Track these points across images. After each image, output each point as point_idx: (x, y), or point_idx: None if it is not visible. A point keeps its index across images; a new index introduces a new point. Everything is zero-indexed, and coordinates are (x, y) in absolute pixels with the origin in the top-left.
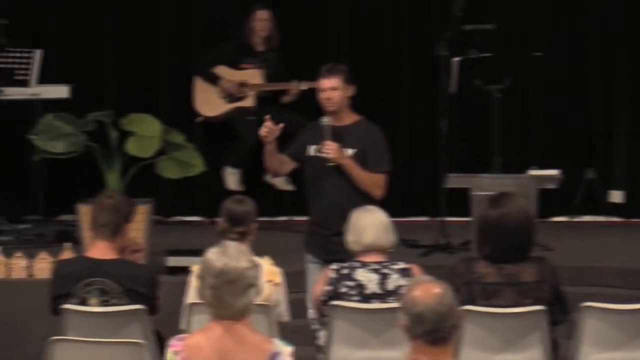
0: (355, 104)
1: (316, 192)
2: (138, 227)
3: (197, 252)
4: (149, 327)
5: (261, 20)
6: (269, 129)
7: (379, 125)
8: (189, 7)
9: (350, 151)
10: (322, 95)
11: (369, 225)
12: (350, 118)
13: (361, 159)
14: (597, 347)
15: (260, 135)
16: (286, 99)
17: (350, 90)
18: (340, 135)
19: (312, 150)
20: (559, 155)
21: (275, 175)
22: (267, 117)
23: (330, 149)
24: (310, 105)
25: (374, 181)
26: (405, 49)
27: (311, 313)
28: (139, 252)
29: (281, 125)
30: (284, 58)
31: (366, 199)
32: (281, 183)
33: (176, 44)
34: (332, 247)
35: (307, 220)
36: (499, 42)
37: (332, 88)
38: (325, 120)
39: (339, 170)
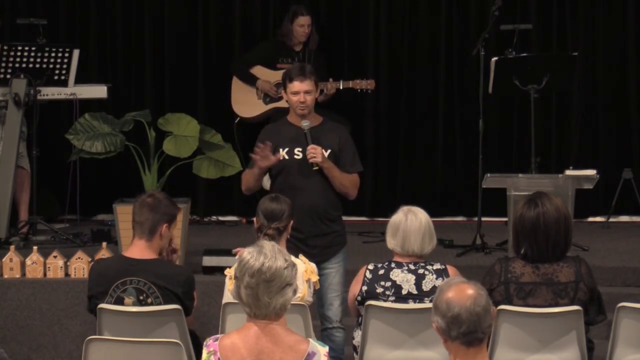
0: (391, 104)
1: (288, 195)
2: (176, 227)
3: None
4: (185, 327)
5: (302, 27)
6: (264, 153)
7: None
8: (228, 7)
9: (325, 153)
10: (296, 98)
11: (414, 232)
12: (316, 119)
13: (334, 159)
14: (633, 347)
15: (253, 158)
16: (320, 98)
17: (318, 92)
18: (316, 138)
19: (284, 153)
20: (595, 155)
21: (249, 192)
22: (267, 144)
23: (316, 153)
24: (342, 104)
25: (352, 182)
26: (442, 49)
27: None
28: (175, 254)
29: (279, 155)
30: (322, 58)
31: (340, 200)
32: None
33: (214, 43)
34: (308, 250)
35: None
36: (536, 42)
37: (306, 91)
38: (307, 124)
39: (320, 173)
